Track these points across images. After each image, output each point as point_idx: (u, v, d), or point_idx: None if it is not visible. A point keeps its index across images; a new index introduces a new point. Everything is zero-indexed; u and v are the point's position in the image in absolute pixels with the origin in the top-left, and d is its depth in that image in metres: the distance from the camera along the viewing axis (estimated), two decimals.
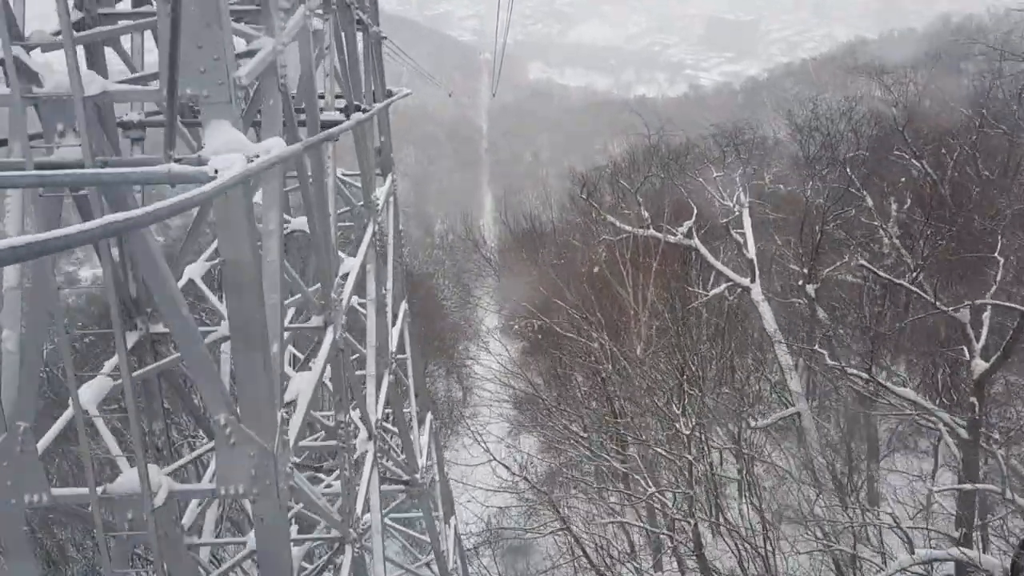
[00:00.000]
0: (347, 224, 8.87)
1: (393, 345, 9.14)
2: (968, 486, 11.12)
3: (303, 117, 5.79)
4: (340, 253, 7.32)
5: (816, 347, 15.16)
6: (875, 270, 14.22)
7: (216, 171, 3.18)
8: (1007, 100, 30.62)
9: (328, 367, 6.03)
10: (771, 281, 25.06)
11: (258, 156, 3.69)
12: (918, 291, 13.42)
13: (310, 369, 6.00)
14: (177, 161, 3.25)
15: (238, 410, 4.27)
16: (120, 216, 2.33)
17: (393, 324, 9.60)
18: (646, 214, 20.57)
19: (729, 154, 30.29)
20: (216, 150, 3.59)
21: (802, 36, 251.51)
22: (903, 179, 27.66)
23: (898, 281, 14.10)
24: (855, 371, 13.85)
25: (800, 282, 20.07)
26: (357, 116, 6.64)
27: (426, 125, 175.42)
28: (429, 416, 12.30)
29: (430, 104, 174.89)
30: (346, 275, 6.85)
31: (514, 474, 17.76)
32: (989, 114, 27.50)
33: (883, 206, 25.48)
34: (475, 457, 19.01)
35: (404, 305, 10.46)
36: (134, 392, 4.27)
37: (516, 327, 34.86)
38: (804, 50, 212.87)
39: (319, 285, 6.11)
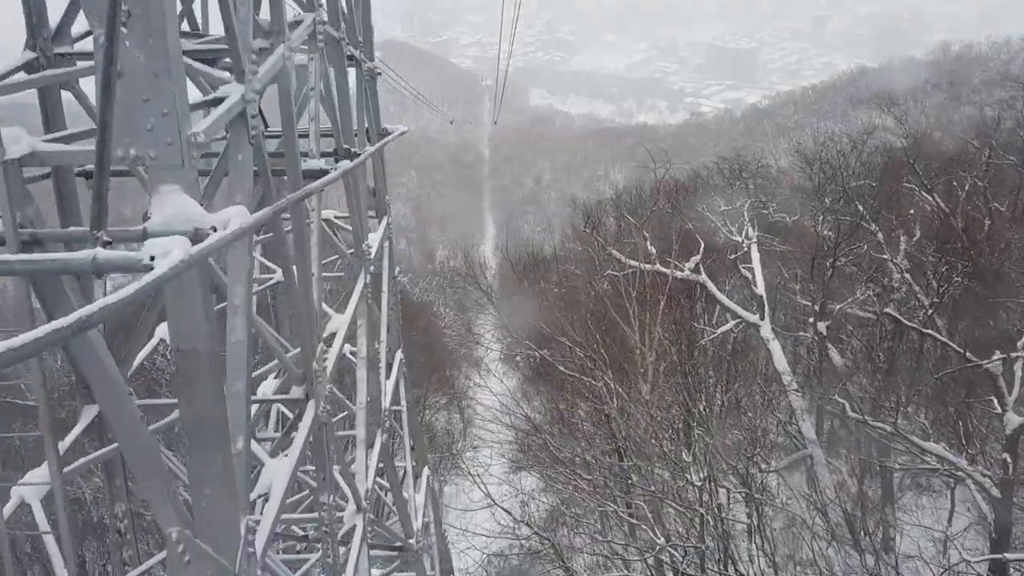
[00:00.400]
0: (336, 274, 8.27)
1: (387, 401, 8.50)
2: (1005, 556, 10.41)
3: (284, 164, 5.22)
4: (327, 308, 6.70)
5: (836, 396, 14.38)
6: (904, 320, 13.59)
7: (152, 258, 2.57)
8: (1016, 129, 30.23)
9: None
10: (775, 310, 24.40)
11: (215, 229, 3.09)
12: (948, 343, 12.76)
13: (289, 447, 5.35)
14: (106, 245, 2.63)
15: (193, 519, 3.63)
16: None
17: (387, 377, 8.96)
18: (652, 249, 19.96)
19: (735, 185, 29.81)
20: (163, 224, 2.98)
21: (801, 64, 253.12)
22: (911, 211, 27.17)
23: (927, 331, 13.44)
24: (880, 424, 13.13)
25: (811, 319, 19.41)
26: (344, 165, 6.05)
27: (428, 150, 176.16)
28: (426, 472, 11.59)
29: (432, 129, 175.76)
30: (332, 335, 6.21)
31: (516, 520, 17.01)
32: (998, 144, 27.09)
33: (892, 238, 24.98)
34: (475, 502, 18.26)
35: (399, 355, 9.82)
36: (66, 500, 3.63)
37: (518, 358, 34.09)
38: (804, 78, 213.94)
39: (300, 349, 5.47)
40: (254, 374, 5.80)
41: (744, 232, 20.34)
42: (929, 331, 13.50)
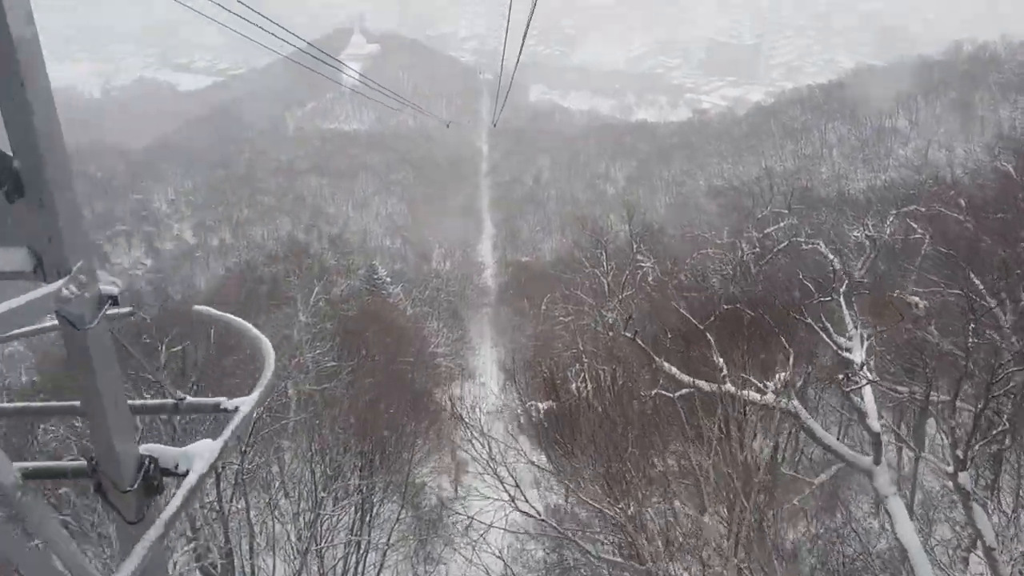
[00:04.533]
0: None
1: None
2: None
3: None
4: None
5: None
6: None
7: None
8: None
9: None
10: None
11: None
12: None
13: None
14: None
15: None
16: None
17: None
18: (720, 361, 13.87)
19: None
20: None
21: (804, 61, 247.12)
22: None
23: None
24: None
25: (950, 468, 13.39)
26: None
27: (426, 147, 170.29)
28: None
29: (430, 125, 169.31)
30: None
31: None
32: None
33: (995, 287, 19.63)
34: None
35: None
36: None
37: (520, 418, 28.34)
38: (806, 75, 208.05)
39: None
40: None
41: (862, 349, 14.04)
42: None
